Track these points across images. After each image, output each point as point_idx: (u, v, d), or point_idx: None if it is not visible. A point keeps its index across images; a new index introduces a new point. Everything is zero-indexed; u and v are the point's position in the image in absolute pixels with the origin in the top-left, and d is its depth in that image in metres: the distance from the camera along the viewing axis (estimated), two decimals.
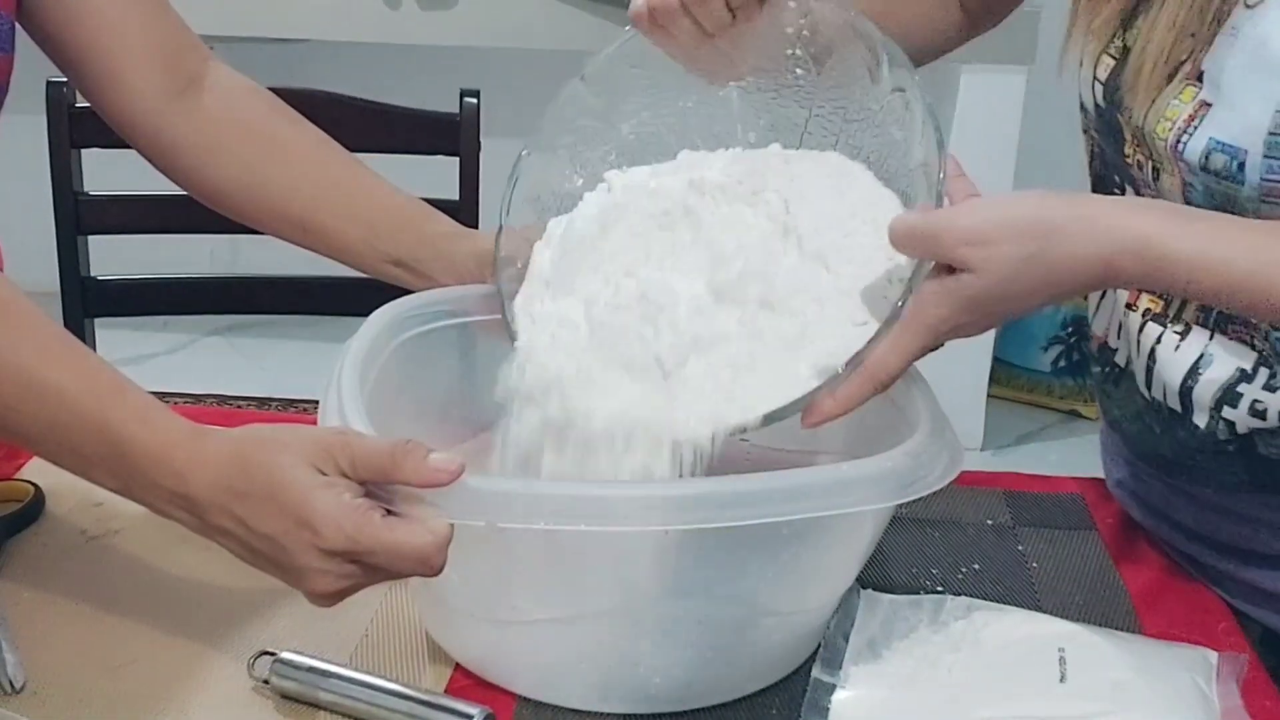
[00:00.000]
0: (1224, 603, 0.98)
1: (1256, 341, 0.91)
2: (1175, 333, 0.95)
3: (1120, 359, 1.01)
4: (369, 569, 0.75)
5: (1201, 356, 0.93)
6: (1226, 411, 0.93)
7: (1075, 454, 2.62)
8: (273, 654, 0.83)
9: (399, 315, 0.95)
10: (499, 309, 0.93)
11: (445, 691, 0.84)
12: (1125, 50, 0.93)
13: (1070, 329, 2.78)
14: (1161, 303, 0.96)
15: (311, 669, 0.82)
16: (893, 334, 0.80)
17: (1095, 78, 0.95)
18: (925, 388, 0.87)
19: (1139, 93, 0.90)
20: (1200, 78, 0.88)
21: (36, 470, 1.02)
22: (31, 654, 0.84)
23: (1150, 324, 0.96)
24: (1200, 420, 0.95)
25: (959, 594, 0.92)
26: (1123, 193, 0.97)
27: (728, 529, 0.78)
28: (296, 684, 0.82)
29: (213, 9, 2.45)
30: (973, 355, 2.52)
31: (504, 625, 0.82)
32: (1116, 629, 0.91)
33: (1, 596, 0.89)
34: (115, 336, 1.62)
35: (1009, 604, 0.92)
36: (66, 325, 1.53)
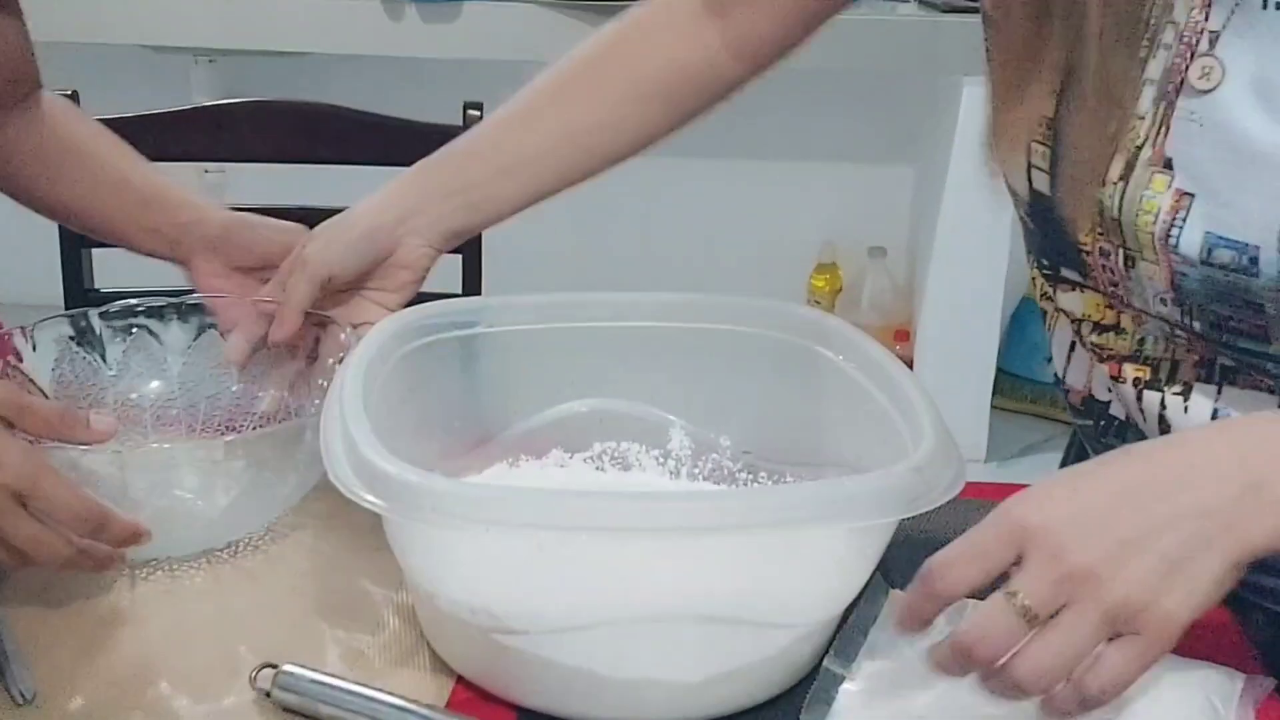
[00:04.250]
0: (1231, 616, 0.97)
1: (1274, 387, 0.88)
2: (1175, 394, 0.92)
3: (1118, 412, 0.99)
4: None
5: (1215, 413, 0.91)
6: None
7: None
8: (275, 666, 0.83)
9: (403, 326, 0.95)
10: (506, 321, 0.93)
11: (447, 705, 0.84)
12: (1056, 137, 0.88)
13: None
14: (1148, 369, 0.94)
15: (313, 682, 0.82)
16: None
17: (1033, 164, 0.90)
18: (929, 402, 0.87)
19: (1079, 201, 0.87)
20: (1168, 164, 0.84)
21: None
22: (36, 666, 0.84)
23: (1147, 391, 0.94)
24: None
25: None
26: (1060, 271, 0.95)
27: (731, 542, 0.78)
28: (298, 696, 0.81)
29: (215, 22, 2.46)
30: (976, 367, 2.51)
31: (505, 637, 0.82)
32: None
33: (7, 609, 0.89)
34: None
35: None
36: None
